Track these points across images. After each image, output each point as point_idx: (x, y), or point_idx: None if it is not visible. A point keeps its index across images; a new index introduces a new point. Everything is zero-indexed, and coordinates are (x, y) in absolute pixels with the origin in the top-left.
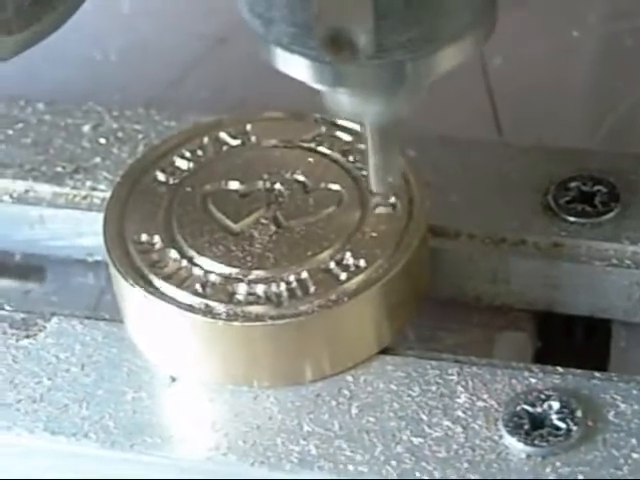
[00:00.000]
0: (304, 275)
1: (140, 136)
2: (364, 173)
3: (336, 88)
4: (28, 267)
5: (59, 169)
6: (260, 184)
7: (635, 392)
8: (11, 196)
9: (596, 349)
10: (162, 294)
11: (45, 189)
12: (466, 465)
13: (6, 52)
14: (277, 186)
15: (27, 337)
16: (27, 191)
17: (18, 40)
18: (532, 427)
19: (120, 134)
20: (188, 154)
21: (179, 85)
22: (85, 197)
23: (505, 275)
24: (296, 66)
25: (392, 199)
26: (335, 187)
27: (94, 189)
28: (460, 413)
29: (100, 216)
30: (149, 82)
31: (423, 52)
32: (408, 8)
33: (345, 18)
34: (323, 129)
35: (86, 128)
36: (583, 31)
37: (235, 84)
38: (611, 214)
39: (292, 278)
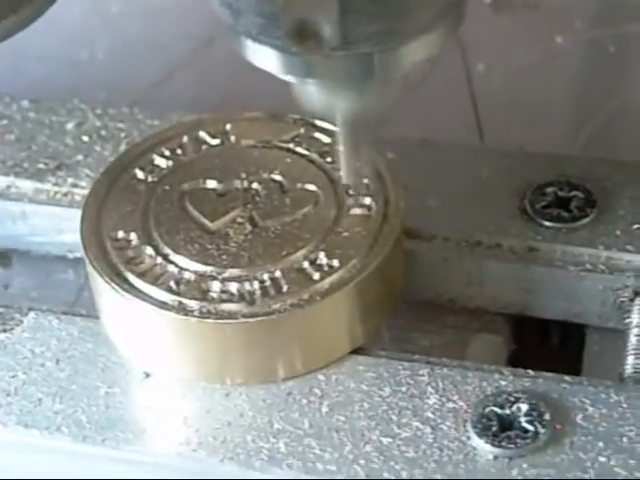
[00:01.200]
0: (277, 274)
1: (123, 134)
2: (341, 174)
3: (304, 79)
4: None
5: (41, 165)
6: (237, 183)
7: (604, 396)
8: None
9: (571, 353)
10: (137, 291)
11: (27, 185)
12: (433, 465)
13: None
14: (254, 186)
15: (4, 331)
16: (9, 187)
17: None
18: (500, 429)
19: (103, 132)
20: (167, 153)
21: (164, 85)
22: (66, 194)
23: (480, 278)
24: (265, 57)
25: (367, 200)
26: (312, 187)
27: (75, 186)
28: (429, 414)
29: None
30: (135, 81)
31: (389, 45)
32: (374, 1)
33: (311, 9)
34: (302, 130)
35: (70, 126)
36: (566, 38)
37: (220, 85)
38: (586, 219)
39: (266, 277)
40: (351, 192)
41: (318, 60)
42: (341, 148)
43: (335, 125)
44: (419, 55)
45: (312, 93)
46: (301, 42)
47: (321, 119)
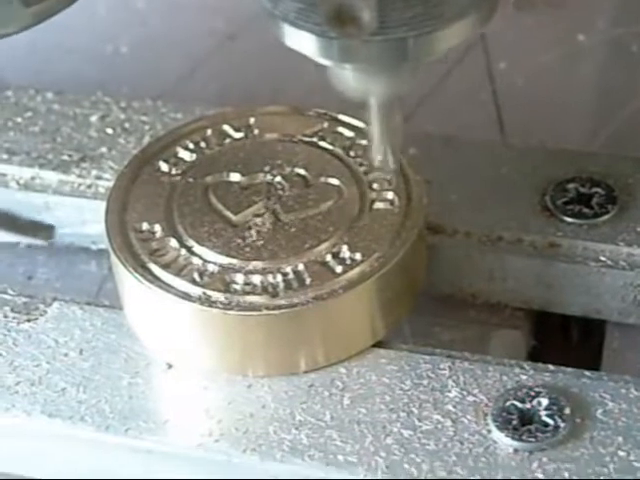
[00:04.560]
0: (300, 267)
1: (146, 127)
2: (364, 169)
3: (341, 63)
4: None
5: (65, 157)
6: (261, 177)
7: (624, 391)
8: (18, 183)
9: (591, 349)
10: (160, 282)
11: (51, 177)
12: (454, 458)
13: (23, 23)
14: (277, 179)
15: (28, 321)
16: (33, 178)
17: (35, 11)
18: (520, 423)
19: (127, 125)
20: (191, 145)
21: (188, 80)
22: (90, 186)
23: (501, 273)
24: (302, 41)
25: (390, 195)
26: (335, 182)
27: (99, 178)
28: (450, 407)
29: (104, 205)
30: (158, 76)
31: (425, 30)
32: None
33: None
34: (325, 124)
35: (94, 118)
36: (589, 36)
37: (243, 80)
38: (607, 216)
39: (289, 269)
40: (374, 187)
41: (355, 44)
42: (375, 130)
43: (365, 112)
44: (453, 40)
45: (347, 76)
46: (339, 27)
47: (347, 114)
